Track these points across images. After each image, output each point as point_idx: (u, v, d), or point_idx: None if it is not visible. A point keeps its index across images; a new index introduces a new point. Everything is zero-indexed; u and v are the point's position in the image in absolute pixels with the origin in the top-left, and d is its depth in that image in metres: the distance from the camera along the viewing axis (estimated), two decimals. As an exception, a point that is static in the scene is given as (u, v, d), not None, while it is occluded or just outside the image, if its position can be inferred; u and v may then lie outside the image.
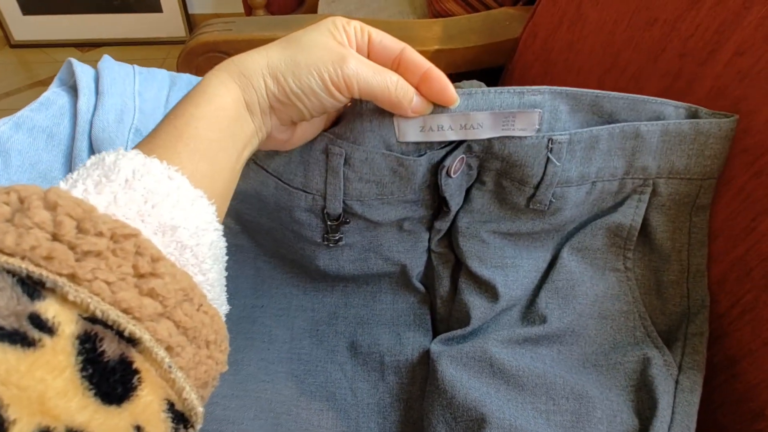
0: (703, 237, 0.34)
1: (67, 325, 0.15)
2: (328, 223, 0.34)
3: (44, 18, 1.78)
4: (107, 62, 0.41)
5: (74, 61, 0.40)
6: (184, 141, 0.22)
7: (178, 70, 0.67)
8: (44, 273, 0.16)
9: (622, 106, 0.32)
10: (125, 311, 0.16)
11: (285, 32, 0.68)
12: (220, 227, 0.22)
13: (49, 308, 0.15)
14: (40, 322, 0.15)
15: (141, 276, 0.17)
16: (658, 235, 0.35)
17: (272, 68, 0.25)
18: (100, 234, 0.17)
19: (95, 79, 0.40)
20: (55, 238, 0.16)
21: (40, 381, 0.14)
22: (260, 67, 0.25)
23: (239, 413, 0.33)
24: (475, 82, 0.44)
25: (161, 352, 0.17)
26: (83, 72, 0.39)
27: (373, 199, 0.34)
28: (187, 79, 0.46)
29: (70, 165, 0.36)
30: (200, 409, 0.19)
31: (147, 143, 0.22)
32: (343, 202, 0.33)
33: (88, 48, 1.87)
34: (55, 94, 0.38)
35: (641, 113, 0.32)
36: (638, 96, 0.32)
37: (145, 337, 0.17)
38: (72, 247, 0.16)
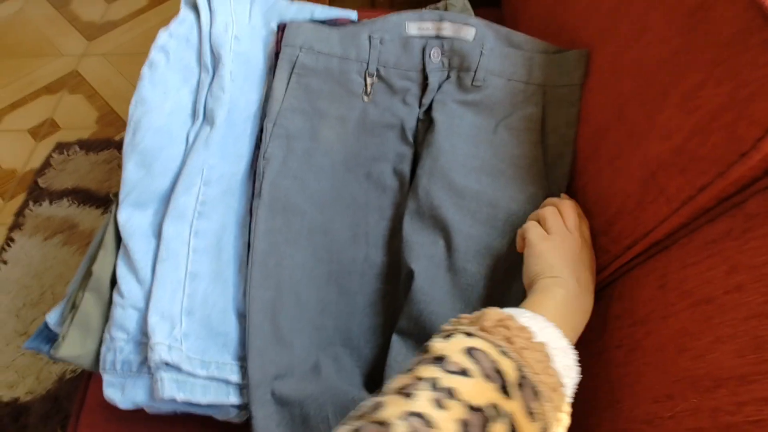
0: (574, 120, 0.57)
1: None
2: (367, 80, 0.60)
3: None
4: (213, -13, 0.63)
5: (192, -10, 0.62)
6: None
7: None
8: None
9: (523, 40, 0.54)
10: None
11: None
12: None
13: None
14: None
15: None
16: (549, 120, 0.57)
17: None
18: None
19: (208, 2, 0.62)
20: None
21: None
22: None
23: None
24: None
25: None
26: (200, -2, 0.62)
27: (391, 68, 0.59)
28: (262, -2, 0.67)
29: (200, 60, 0.60)
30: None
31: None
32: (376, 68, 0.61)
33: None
34: (185, 12, 0.61)
35: (535, 46, 0.54)
36: (533, 38, 0.55)
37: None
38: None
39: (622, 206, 0.49)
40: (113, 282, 0.53)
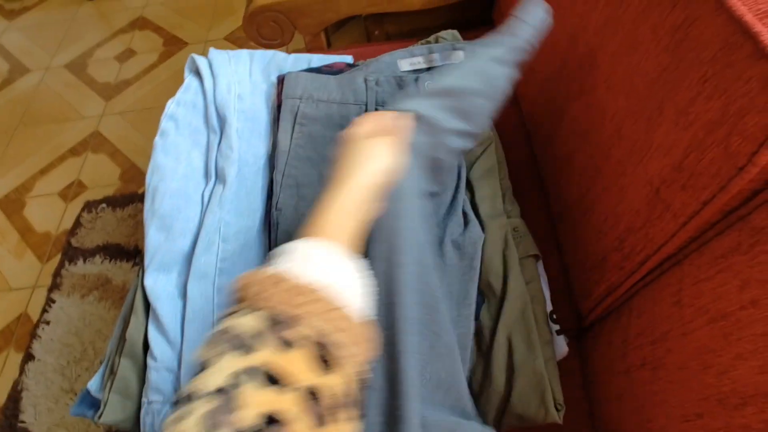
0: None
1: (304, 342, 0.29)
2: None
3: (111, -31, 1.99)
4: (213, 53, 0.66)
5: (195, 56, 0.65)
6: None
7: (244, 29, 0.91)
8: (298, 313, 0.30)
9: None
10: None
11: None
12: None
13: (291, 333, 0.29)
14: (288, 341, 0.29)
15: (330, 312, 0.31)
16: None
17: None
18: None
19: (209, 65, 0.65)
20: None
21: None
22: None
23: None
24: (449, 32, 0.66)
25: (345, 350, 0.31)
26: (202, 62, 0.65)
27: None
28: (260, 54, 0.70)
29: (207, 122, 0.63)
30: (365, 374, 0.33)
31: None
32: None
33: (151, -9, 2.09)
34: (189, 80, 0.65)
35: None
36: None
37: (338, 341, 0.31)
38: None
39: (632, 223, 0.49)
40: (146, 345, 0.56)
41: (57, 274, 1.36)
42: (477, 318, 0.55)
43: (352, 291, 0.34)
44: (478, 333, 0.55)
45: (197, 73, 0.66)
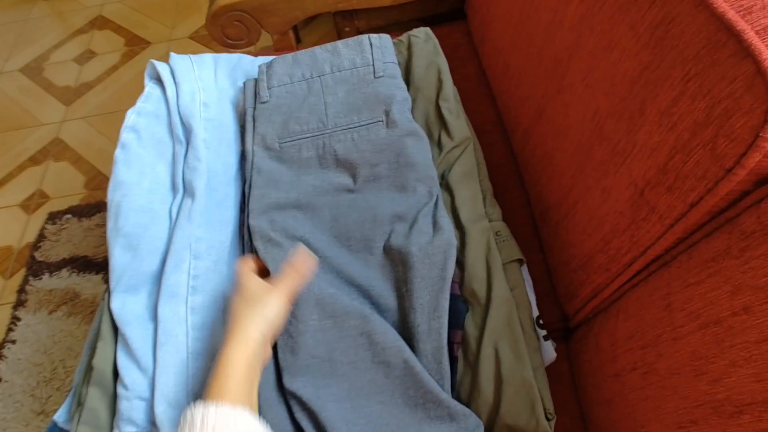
0: None
1: None
2: None
3: (65, -34, 1.90)
4: (174, 59, 0.62)
5: (155, 62, 0.61)
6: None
7: (207, 31, 0.87)
8: None
9: None
10: None
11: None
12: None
13: None
14: None
15: None
16: None
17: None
18: None
19: (171, 72, 0.61)
20: None
21: None
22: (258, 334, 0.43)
23: None
24: (422, 30, 0.64)
25: None
26: (163, 69, 0.61)
27: None
28: (225, 58, 0.66)
29: (171, 133, 0.60)
30: None
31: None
32: None
33: (109, -12, 2.00)
34: (150, 88, 0.61)
35: None
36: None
37: None
38: None
39: (616, 225, 0.48)
40: (116, 372, 0.52)
41: (21, 290, 1.30)
42: (461, 327, 0.54)
43: None
44: (464, 342, 0.53)
45: (158, 80, 0.62)
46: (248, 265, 0.50)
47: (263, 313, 0.44)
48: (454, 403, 0.48)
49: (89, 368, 0.53)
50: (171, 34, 1.81)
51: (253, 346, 0.43)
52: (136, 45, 1.80)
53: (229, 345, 0.42)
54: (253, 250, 0.55)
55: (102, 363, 0.53)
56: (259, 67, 0.63)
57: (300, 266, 0.48)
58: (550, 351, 0.53)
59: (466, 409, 0.48)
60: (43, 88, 1.73)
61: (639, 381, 0.45)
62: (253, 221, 0.56)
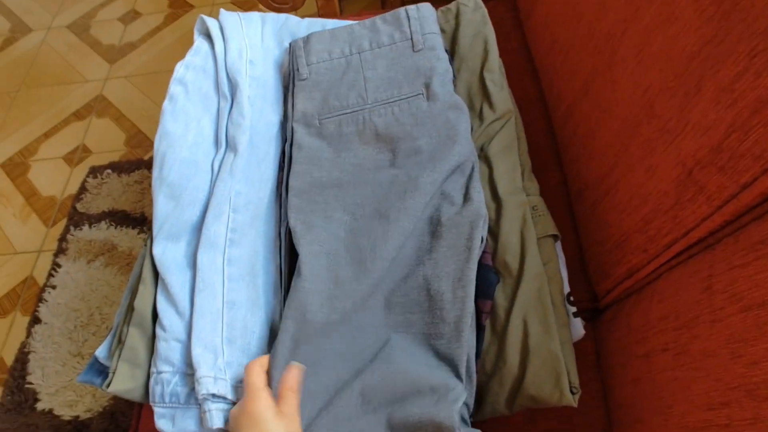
0: None
1: None
2: None
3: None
4: (224, 15, 0.63)
5: (205, 17, 0.62)
6: None
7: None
8: None
9: None
10: None
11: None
12: None
13: None
14: None
15: None
16: None
17: None
18: None
19: (219, 28, 0.62)
20: None
21: None
22: None
23: None
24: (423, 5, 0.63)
25: None
26: (212, 24, 0.62)
27: None
28: (272, 18, 0.66)
29: (218, 88, 0.61)
30: None
31: None
32: None
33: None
34: (199, 42, 0.62)
35: None
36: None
37: None
38: None
39: (659, 205, 0.47)
40: (155, 315, 0.55)
41: (62, 239, 1.36)
42: (491, 297, 0.54)
43: None
44: (493, 313, 0.54)
45: (207, 36, 0.63)
46: (258, 370, 0.46)
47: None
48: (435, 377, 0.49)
49: (130, 309, 0.55)
50: (214, -3, 1.82)
51: None
52: (179, 8, 1.81)
53: None
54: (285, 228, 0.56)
55: (142, 305, 0.55)
56: (294, 43, 0.63)
57: (293, 382, 0.46)
58: (578, 328, 0.53)
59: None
60: (88, 45, 1.77)
61: (670, 362, 0.45)
62: (294, 199, 0.57)
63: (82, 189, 1.43)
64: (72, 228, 1.36)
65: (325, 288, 0.52)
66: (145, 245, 0.58)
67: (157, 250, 0.55)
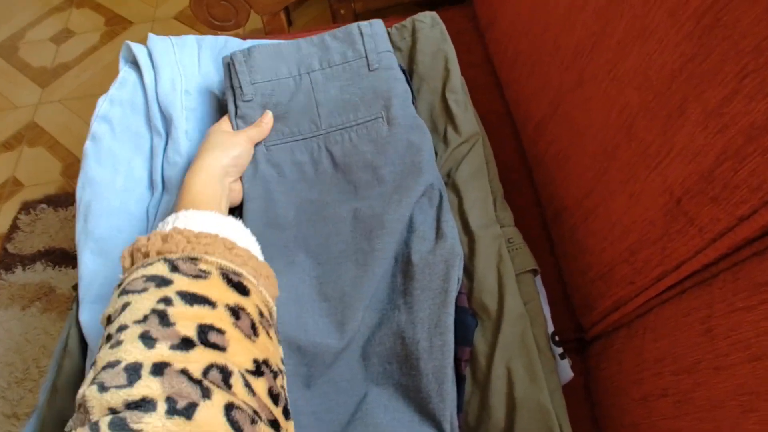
0: None
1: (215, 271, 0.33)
2: None
3: (40, -62, 1.79)
4: (152, 40, 0.55)
5: (131, 44, 0.55)
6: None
7: (192, 11, 0.80)
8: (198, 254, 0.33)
9: None
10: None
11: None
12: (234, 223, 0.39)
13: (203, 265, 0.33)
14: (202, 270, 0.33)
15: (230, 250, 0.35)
16: None
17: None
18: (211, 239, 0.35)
19: (149, 55, 0.55)
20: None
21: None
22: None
23: None
24: (428, 14, 0.58)
25: (252, 279, 0.35)
26: (140, 51, 0.54)
27: None
28: (210, 41, 0.60)
29: (149, 124, 0.53)
30: (274, 307, 0.37)
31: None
32: None
33: (88, -37, 1.89)
34: (125, 73, 0.54)
35: None
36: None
37: (245, 273, 0.34)
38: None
39: (645, 234, 0.44)
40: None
41: (-7, 284, 1.22)
42: (470, 343, 0.49)
43: (243, 238, 0.38)
44: (473, 360, 0.49)
45: (135, 64, 0.55)
46: (221, 124, 0.52)
47: (225, 150, 0.48)
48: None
49: (54, 389, 0.47)
50: (154, 13, 1.72)
51: (212, 173, 0.45)
52: (117, 24, 1.70)
53: (188, 174, 0.44)
54: None
55: (69, 381, 0.47)
56: (234, 56, 0.56)
57: (264, 122, 0.53)
58: (566, 371, 0.49)
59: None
60: (17, 68, 1.63)
61: (671, 409, 0.41)
62: None
63: (14, 227, 1.30)
64: (3, 272, 1.23)
65: (294, 340, 0.46)
66: (71, 309, 0.50)
67: (84, 316, 0.48)
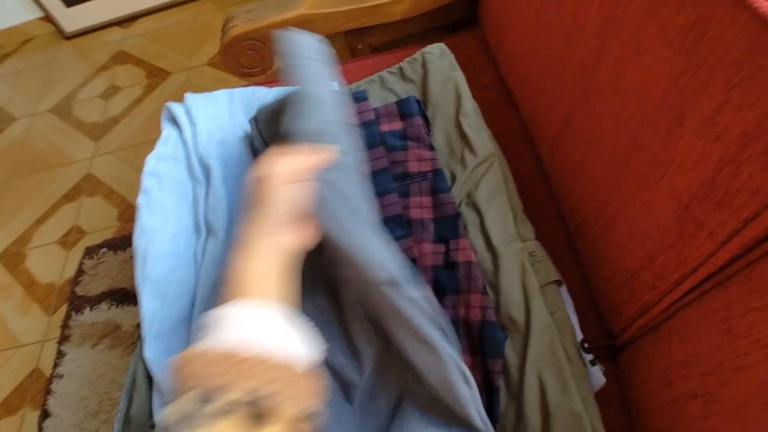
0: None
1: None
2: None
3: (86, 5, 1.97)
4: (190, 98, 0.62)
5: (171, 105, 0.61)
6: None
7: (222, 62, 0.87)
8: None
9: None
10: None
11: (295, 10, 0.83)
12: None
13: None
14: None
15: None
16: None
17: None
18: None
19: (186, 113, 0.61)
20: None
21: None
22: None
23: None
24: (436, 46, 0.62)
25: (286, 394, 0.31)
26: (178, 110, 0.61)
27: None
28: (239, 93, 0.66)
29: (191, 174, 0.60)
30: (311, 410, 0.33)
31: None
32: None
33: (127, 23, 2.06)
34: (167, 131, 0.61)
35: None
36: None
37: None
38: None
39: (661, 241, 0.45)
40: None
41: (65, 325, 1.33)
42: (501, 356, 0.51)
43: (285, 340, 0.34)
44: (506, 372, 0.51)
45: (174, 122, 0.62)
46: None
47: (273, 209, 0.38)
48: None
49: (127, 419, 0.52)
50: (189, 62, 1.84)
51: (277, 250, 0.38)
52: (156, 76, 1.83)
53: (237, 257, 0.37)
54: None
55: (140, 412, 0.52)
56: (250, 122, 0.61)
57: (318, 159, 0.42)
58: (598, 377, 0.50)
59: None
60: (72, 126, 1.79)
61: (701, 410, 0.41)
62: None
63: (80, 272, 1.41)
64: (73, 313, 1.34)
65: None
66: (136, 346, 0.56)
67: (149, 353, 0.53)
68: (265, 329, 0.33)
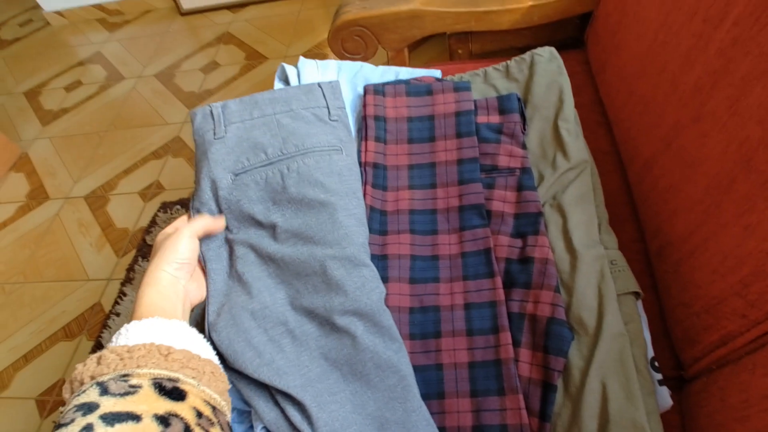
0: None
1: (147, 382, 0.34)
2: None
3: (204, -13, 2.13)
4: (302, 62, 0.67)
5: (285, 65, 0.66)
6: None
7: (328, 43, 0.92)
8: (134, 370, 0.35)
9: None
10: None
11: (408, 4, 0.87)
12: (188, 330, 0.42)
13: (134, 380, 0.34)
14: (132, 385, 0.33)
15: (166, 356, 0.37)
16: None
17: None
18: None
19: (297, 74, 0.65)
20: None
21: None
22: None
23: None
24: (547, 49, 0.63)
25: (191, 380, 0.36)
26: (291, 71, 0.65)
27: None
28: (348, 65, 0.70)
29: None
30: (223, 402, 0.39)
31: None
32: None
33: (237, 8, 2.21)
34: (277, 85, 0.66)
35: None
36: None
37: (182, 377, 0.36)
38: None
39: (761, 267, 0.43)
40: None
41: (131, 269, 1.42)
42: (565, 355, 0.50)
43: (183, 338, 0.40)
44: (567, 372, 0.50)
45: (286, 81, 0.67)
46: (165, 229, 0.53)
47: (170, 257, 0.47)
48: None
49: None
50: (287, 51, 1.94)
51: (161, 284, 0.45)
52: (254, 59, 1.95)
53: (139, 289, 0.45)
54: None
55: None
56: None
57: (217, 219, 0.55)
58: (665, 397, 0.48)
59: None
60: (171, 92, 1.93)
61: (779, 447, 0.39)
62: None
63: (153, 222, 1.51)
64: (140, 259, 1.43)
65: None
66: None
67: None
68: (163, 332, 0.39)
